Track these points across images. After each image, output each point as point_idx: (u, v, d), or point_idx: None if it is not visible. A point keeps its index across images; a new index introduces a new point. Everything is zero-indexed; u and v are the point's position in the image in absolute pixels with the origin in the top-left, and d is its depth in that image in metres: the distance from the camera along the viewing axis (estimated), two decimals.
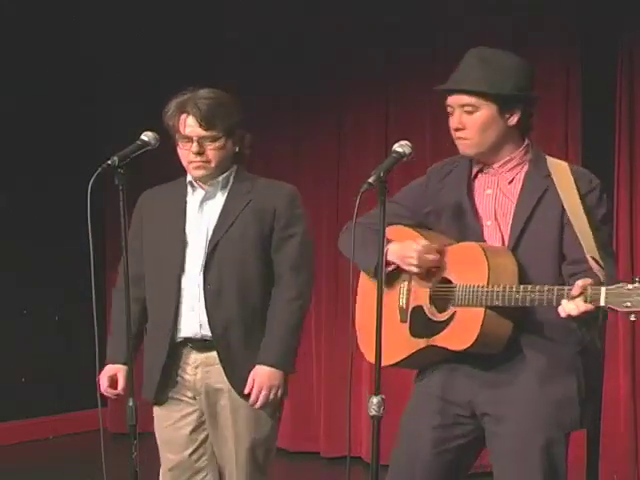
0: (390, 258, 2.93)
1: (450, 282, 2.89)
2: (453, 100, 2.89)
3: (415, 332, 2.89)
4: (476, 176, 2.98)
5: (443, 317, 2.87)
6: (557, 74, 5.44)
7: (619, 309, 2.51)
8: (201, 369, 3.42)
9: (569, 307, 2.58)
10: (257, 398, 3.36)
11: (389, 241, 2.90)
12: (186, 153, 3.42)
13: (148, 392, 3.46)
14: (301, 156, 6.21)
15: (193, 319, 3.40)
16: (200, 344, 3.41)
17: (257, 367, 3.37)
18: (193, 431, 3.49)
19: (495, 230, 2.90)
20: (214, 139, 3.39)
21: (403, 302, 2.99)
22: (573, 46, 5.40)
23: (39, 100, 6.51)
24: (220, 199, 3.46)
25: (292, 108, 6.22)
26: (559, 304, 2.62)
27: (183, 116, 3.47)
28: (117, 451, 3.19)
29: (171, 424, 3.49)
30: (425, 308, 2.92)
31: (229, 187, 3.47)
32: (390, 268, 2.95)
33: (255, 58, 6.22)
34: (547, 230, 2.84)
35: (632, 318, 2.50)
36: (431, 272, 2.92)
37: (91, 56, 6.69)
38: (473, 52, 2.96)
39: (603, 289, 2.54)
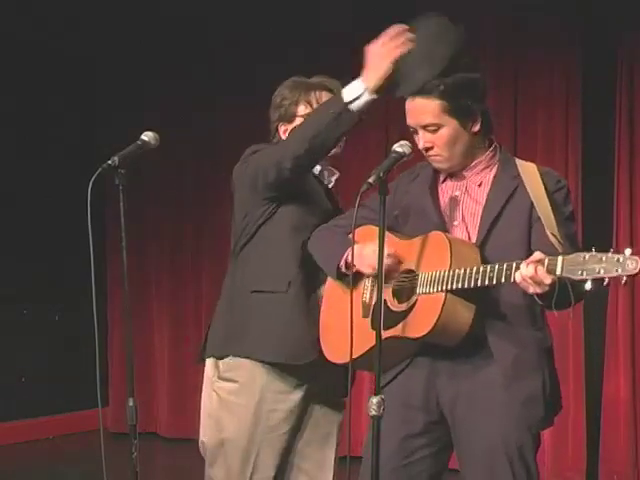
0: (349, 260, 2.93)
1: (414, 272, 2.88)
2: (414, 122, 2.88)
3: (376, 324, 2.79)
4: (444, 180, 2.99)
5: (404, 307, 2.85)
6: (557, 74, 5.44)
7: (574, 277, 2.47)
8: None
9: (526, 270, 2.55)
10: None
11: (355, 242, 2.89)
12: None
13: None
14: None
15: None
16: None
17: None
18: None
19: (462, 230, 2.90)
20: None
21: (366, 297, 2.99)
22: (573, 46, 5.40)
23: (39, 100, 6.52)
24: None
25: None
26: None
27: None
28: (117, 451, 3.19)
29: None
30: (388, 301, 2.89)
31: None
32: (353, 270, 2.94)
33: (255, 58, 6.22)
34: (515, 228, 2.84)
35: (588, 286, 2.46)
36: (394, 266, 2.91)
37: (91, 56, 6.69)
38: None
39: (560, 257, 2.51)
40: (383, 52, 3.03)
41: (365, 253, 2.90)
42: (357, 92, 3.00)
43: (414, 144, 2.88)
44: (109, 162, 3.05)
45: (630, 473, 5.28)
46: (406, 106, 2.90)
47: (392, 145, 2.84)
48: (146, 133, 3.27)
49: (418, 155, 2.92)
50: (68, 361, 6.65)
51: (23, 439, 6.55)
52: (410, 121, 2.90)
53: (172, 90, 6.55)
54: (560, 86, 5.44)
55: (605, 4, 5.28)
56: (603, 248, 2.48)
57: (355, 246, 2.88)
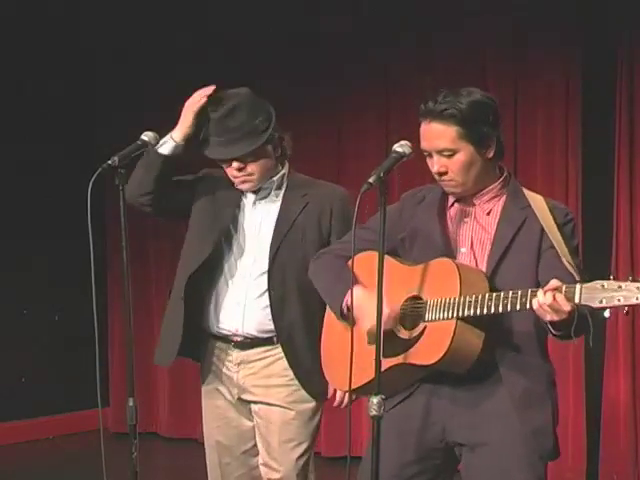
0: (350, 304, 2.89)
1: (420, 299, 2.86)
2: (429, 146, 2.86)
3: (385, 352, 2.76)
4: (452, 205, 2.98)
5: (413, 334, 2.84)
6: (557, 74, 5.44)
7: (593, 305, 2.49)
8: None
9: (544, 298, 2.55)
10: (342, 400, 3.43)
11: (357, 280, 2.88)
12: (228, 171, 3.49)
13: None
14: (301, 156, 6.20)
15: None
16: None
17: None
18: None
19: (470, 258, 2.89)
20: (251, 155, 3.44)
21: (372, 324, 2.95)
22: (573, 46, 5.40)
23: (39, 100, 6.52)
24: (276, 201, 3.52)
25: (292, 108, 6.22)
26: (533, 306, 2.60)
27: None
28: (117, 451, 3.19)
29: None
30: (394, 328, 2.88)
31: (284, 189, 3.53)
32: (347, 312, 2.94)
33: (255, 58, 6.22)
34: (525, 259, 2.83)
35: (607, 314, 2.49)
36: (401, 291, 2.90)
37: (91, 56, 6.69)
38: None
39: (578, 286, 2.52)
40: (188, 105, 3.52)
41: (366, 312, 2.85)
42: (165, 139, 3.46)
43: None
44: (109, 162, 3.06)
45: (630, 473, 5.28)
46: (421, 130, 2.88)
47: (392, 145, 2.84)
48: (146, 133, 3.29)
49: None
50: (68, 361, 6.65)
51: (23, 439, 6.55)
52: (425, 145, 2.87)
53: (172, 90, 6.54)
54: (560, 86, 5.44)
55: (605, 4, 5.28)
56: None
57: (357, 290, 2.86)
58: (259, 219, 3.52)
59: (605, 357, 5.33)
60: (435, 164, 2.86)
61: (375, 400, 2.66)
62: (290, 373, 3.47)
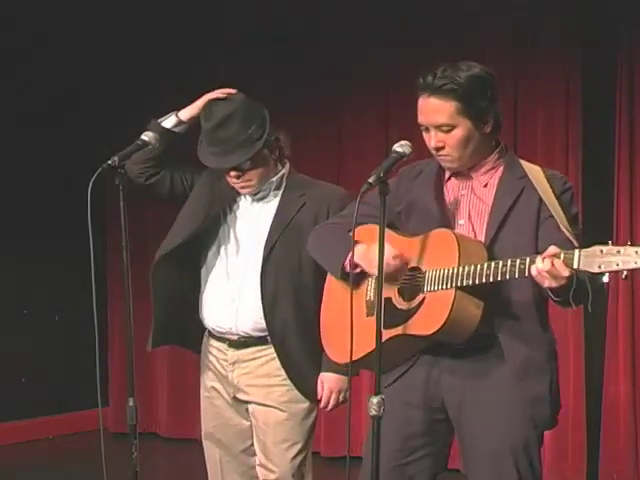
0: (356, 260, 2.90)
1: (419, 270, 2.86)
2: (427, 121, 2.86)
3: (384, 324, 2.76)
4: (449, 179, 2.98)
5: (412, 305, 2.84)
6: (557, 74, 5.44)
7: (592, 270, 2.48)
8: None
9: (543, 264, 2.55)
10: (328, 401, 3.44)
11: (357, 242, 2.87)
12: (227, 177, 3.50)
13: None
14: (301, 156, 6.20)
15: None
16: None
17: (323, 374, 3.44)
18: None
19: (468, 229, 2.89)
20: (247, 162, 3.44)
21: (370, 296, 2.98)
22: (573, 46, 5.40)
23: (39, 100, 6.52)
24: (273, 201, 3.52)
25: (292, 108, 6.22)
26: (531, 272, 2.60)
27: None
28: (117, 451, 3.19)
29: None
30: (393, 299, 2.89)
31: (282, 189, 3.53)
32: (357, 270, 2.93)
33: (255, 58, 6.22)
34: (523, 229, 2.83)
35: (605, 279, 2.49)
36: (402, 267, 2.89)
37: (91, 56, 6.69)
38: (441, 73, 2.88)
39: (577, 251, 2.52)
40: (207, 95, 3.57)
41: (372, 255, 2.85)
42: (170, 114, 3.58)
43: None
44: (109, 162, 3.06)
45: (630, 473, 5.28)
46: (419, 104, 2.88)
47: (392, 145, 2.84)
48: (146, 133, 3.28)
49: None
50: (68, 361, 6.65)
51: (23, 439, 6.55)
52: (422, 119, 2.87)
53: (172, 90, 6.54)
54: (560, 86, 5.44)
55: (605, 4, 5.28)
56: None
57: (359, 246, 2.87)
58: (256, 218, 3.52)
59: (605, 357, 5.33)
60: (432, 139, 2.86)
61: (375, 400, 2.66)
62: (283, 373, 3.47)
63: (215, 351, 3.59)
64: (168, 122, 3.54)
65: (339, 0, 5.97)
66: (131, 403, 3.09)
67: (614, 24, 5.27)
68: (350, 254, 2.92)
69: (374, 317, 2.88)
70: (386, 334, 2.78)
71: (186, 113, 3.57)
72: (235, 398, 3.57)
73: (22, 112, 6.45)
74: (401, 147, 2.80)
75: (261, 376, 3.50)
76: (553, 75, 5.45)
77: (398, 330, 2.83)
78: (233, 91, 3.55)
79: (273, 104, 6.59)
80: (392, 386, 2.90)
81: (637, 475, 5.28)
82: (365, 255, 2.88)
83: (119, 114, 6.64)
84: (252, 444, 3.59)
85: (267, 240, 3.45)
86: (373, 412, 2.67)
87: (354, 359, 2.81)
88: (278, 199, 3.51)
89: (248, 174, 3.44)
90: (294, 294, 3.43)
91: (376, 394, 2.67)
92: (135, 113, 6.35)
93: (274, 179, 3.51)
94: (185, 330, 3.64)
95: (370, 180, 2.69)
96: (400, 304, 2.88)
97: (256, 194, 3.52)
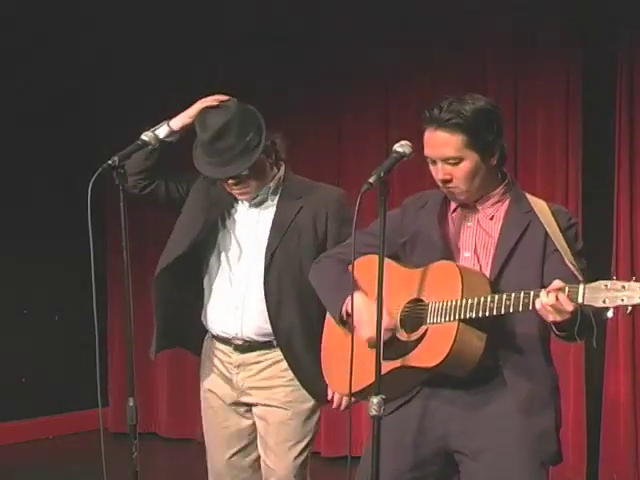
0: (351, 311, 2.87)
1: (421, 302, 2.85)
2: (434, 154, 2.85)
3: (386, 355, 2.75)
4: (454, 210, 2.97)
5: (414, 337, 2.83)
6: (557, 74, 5.44)
7: (596, 305, 2.49)
8: None
9: (547, 298, 2.55)
10: (340, 402, 3.42)
11: (357, 286, 2.87)
12: (225, 185, 3.50)
13: None
14: (301, 156, 6.22)
15: None
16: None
17: None
18: None
19: (473, 262, 2.88)
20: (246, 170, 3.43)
21: (369, 334, 2.92)
22: (573, 46, 5.40)
23: (39, 100, 6.52)
24: (271, 205, 3.52)
25: (292, 108, 6.22)
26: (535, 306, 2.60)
27: None
28: (117, 451, 3.19)
29: None
30: (396, 331, 2.87)
31: (279, 193, 3.52)
32: (346, 318, 2.94)
33: (255, 58, 6.22)
34: (529, 264, 2.83)
35: (610, 314, 2.50)
36: (402, 295, 2.89)
37: (91, 56, 6.69)
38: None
39: (581, 286, 2.53)
40: (199, 101, 3.52)
41: (365, 320, 2.85)
42: (162, 123, 3.52)
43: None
44: (109, 162, 3.06)
45: (630, 473, 5.28)
46: (425, 137, 2.87)
47: (392, 145, 2.83)
48: (146, 133, 3.28)
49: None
50: (68, 361, 6.65)
51: (23, 439, 6.54)
52: (429, 152, 2.86)
53: (172, 90, 6.55)
54: (560, 86, 5.44)
55: (605, 4, 5.28)
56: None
57: (358, 297, 2.85)
58: (255, 224, 3.52)
59: (605, 357, 5.33)
60: (440, 172, 2.86)
61: (375, 400, 2.66)
62: (287, 374, 3.47)
63: (220, 354, 3.59)
64: (160, 132, 3.49)
65: (339, 0, 5.96)
66: (131, 403, 3.09)
67: (614, 24, 5.26)
68: (346, 303, 2.92)
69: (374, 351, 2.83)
70: (387, 366, 2.78)
71: (178, 122, 3.52)
72: (237, 402, 3.57)
73: (22, 112, 6.45)
74: (401, 147, 2.80)
75: (265, 378, 3.51)
76: (553, 75, 5.44)
77: (400, 362, 2.82)
78: (226, 98, 3.51)
79: (273, 104, 6.63)
80: (389, 417, 2.84)
81: (637, 475, 5.28)
82: (359, 311, 2.84)
83: (119, 114, 6.64)
84: (249, 444, 3.59)
85: (267, 247, 3.45)
86: (373, 412, 2.67)
87: (358, 389, 2.83)
88: (275, 204, 3.51)
89: (246, 181, 3.44)
90: (297, 298, 3.43)
91: (376, 394, 2.67)
92: (135, 113, 6.38)
93: (271, 184, 3.50)
94: (186, 333, 3.65)
95: (371, 180, 2.69)
96: (402, 336, 2.87)
97: (253, 199, 3.52)
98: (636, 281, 2.45)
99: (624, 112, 5.25)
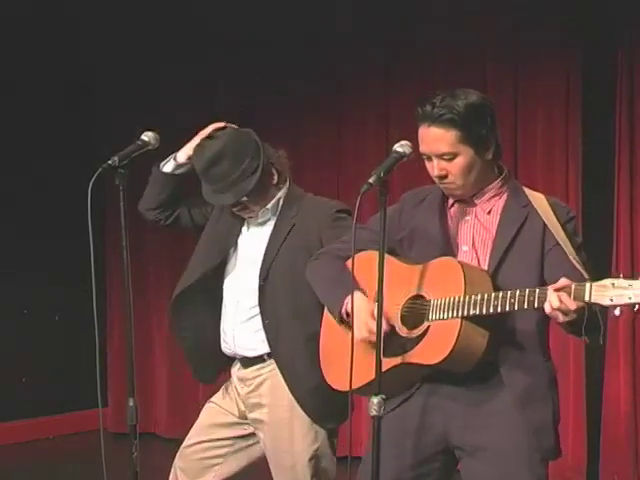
0: (349, 310, 2.89)
1: (422, 298, 2.85)
2: (429, 150, 2.85)
3: (387, 352, 2.76)
4: (452, 205, 2.97)
5: (416, 333, 2.82)
6: (557, 74, 5.44)
7: (603, 303, 2.49)
8: None
9: (553, 298, 2.54)
10: None
11: (356, 283, 2.87)
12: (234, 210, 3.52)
13: None
14: (301, 156, 6.22)
15: None
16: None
17: None
18: None
19: (471, 256, 2.88)
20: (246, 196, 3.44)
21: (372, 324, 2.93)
22: (573, 46, 5.40)
23: (39, 100, 6.52)
24: (268, 226, 3.52)
25: (292, 108, 6.23)
26: (540, 305, 2.59)
27: None
28: (117, 451, 3.18)
29: None
30: (397, 327, 2.87)
31: (278, 213, 3.51)
32: (346, 318, 2.94)
33: (255, 59, 6.22)
34: (527, 257, 2.83)
35: (617, 313, 2.49)
36: (402, 291, 2.89)
37: (91, 56, 6.69)
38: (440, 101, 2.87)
39: (588, 284, 2.52)
40: (200, 133, 3.56)
41: (362, 318, 2.85)
42: (168, 158, 3.60)
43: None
44: (109, 162, 3.06)
45: (630, 473, 5.28)
46: (420, 134, 2.87)
47: (392, 145, 2.84)
48: (146, 133, 3.28)
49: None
50: (68, 361, 6.65)
51: (23, 439, 6.55)
52: (424, 149, 2.87)
53: (171, 91, 6.55)
54: (560, 86, 5.44)
55: (605, 4, 5.28)
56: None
57: (357, 297, 2.84)
58: (252, 246, 3.53)
59: (605, 357, 5.33)
60: (435, 168, 2.86)
61: (375, 400, 2.66)
62: (282, 392, 3.46)
63: (234, 369, 3.63)
64: (168, 167, 3.59)
65: (339, 0, 5.96)
66: (131, 403, 3.09)
67: (614, 24, 5.26)
68: (346, 303, 2.92)
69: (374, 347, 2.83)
70: (388, 362, 2.78)
71: (182, 155, 3.58)
72: (241, 416, 3.58)
73: (22, 112, 6.45)
74: (401, 147, 2.80)
75: (262, 395, 3.52)
76: (553, 75, 5.44)
77: (401, 359, 2.82)
78: (222, 125, 3.55)
79: (273, 104, 6.62)
80: (390, 414, 2.86)
81: (637, 475, 5.27)
82: (358, 313, 2.84)
83: (119, 114, 6.64)
84: (222, 446, 3.59)
85: (260, 271, 3.46)
86: (373, 412, 2.67)
87: (359, 385, 2.83)
88: (273, 223, 3.50)
89: (249, 206, 3.46)
90: (295, 319, 3.42)
91: (376, 394, 2.67)
92: (135, 113, 6.39)
93: (269, 206, 3.49)
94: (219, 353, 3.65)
95: (370, 180, 2.69)
96: (403, 332, 2.86)
97: (256, 220, 3.53)
98: None
99: (624, 112, 5.25)
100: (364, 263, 2.86)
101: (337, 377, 3.00)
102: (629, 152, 5.26)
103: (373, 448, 2.69)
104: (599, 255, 4.98)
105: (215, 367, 3.66)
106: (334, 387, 3.06)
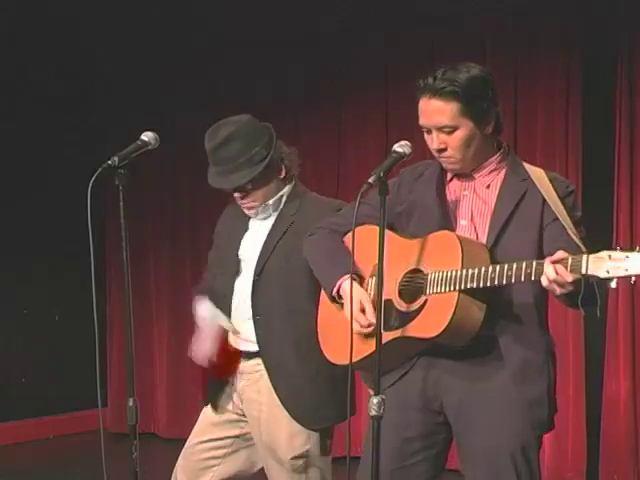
0: (342, 294, 2.91)
1: (420, 272, 2.85)
2: (429, 123, 2.85)
3: (385, 326, 2.76)
4: (451, 179, 2.97)
5: (413, 307, 2.82)
6: (557, 74, 5.44)
7: (600, 275, 2.47)
8: None
9: (549, 270, 2.53)
10: None
11: (355, 267, 2.88)
12: (235, 196, 3.50)
13: None
14: (301, 156, 6.21)
15: None
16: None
17: None
18: None
19: (470, 230, 2.88)
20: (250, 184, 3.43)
21: (371, 294, 2.94)
22: (573, 46, 5.40)
23: (39, 100, 6.52)
24: (268, 224, 3.51)
25: (292, 108, 6.23)
26: (537, 277, 2.58)
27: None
28: (117, 451, 3.18)
29: None
30: (394, 301, 2.87)
31: (280, 210, 3.50)
32: (339, 300, 2.96)
33: (255, 59, 6.23)
34: (526, 231, 2.82)
35: (613, 285, 2.48)
36: (400, 265, 2.89)
37: (91, 57, 6.69)
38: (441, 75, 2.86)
39: (585, 256, 2.51)
40: None
41: (353, 312, 2.84)
42: None
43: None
44: (109, 162, 3.05)
45: (630, 473, 5.28)
46: (420, 106, 2.87)
47: (392, 145, 2.83)
48: (146, 133, 3.27)
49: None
50: (68, 361, 6.65)
51: (23, 439, 6.55)
52: (424, 121, 2.86)
53: (172, 90, 6.55)
54: (560, 86, 5.44)
55: (605, 4, 5.28)
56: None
57: (346, 286, 2.87)
58: (252, 242, 3.52)
59: (605, 357, 5.33)
60: (434, 141, 2.85)
61: (375, 400, 2.66)
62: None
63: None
64: None
65: (339, 0, 5.97)
66: (131, 403, 3.09)
67: (614, 24, 5.27)
68: (340, 282, 2.93)
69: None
70: (386, 336, 2.77)
71: None
72: (238, 410, 3.58)
73: (22, 113, 6.45)
74: (401, 147, 2.79)
75: (258, 391, 3.51)
76: (553, 74, 5.45)
77: (399, 332, 2.81)
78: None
79: (273, 104, 6.62)
80: (391, 388, 2.88)
81: (637, 475, 5.28)
82: (349, 305, 2.84)
83: (119, 114, 6.64)
84: (225, 437, 3.58)
85: (255, 267, 3.46)
86: (373, 412, 2.67)
87: (358, 359, 2.82)
88: (273, 220, 3.50)
89: (252, 195, 3.45)
90: (289, 318, 3.41)
91: (376, 394, 2.67)
92: (135, 113, 6.39)
93: (270, 202, 3.49)
94: None
95: (370, 180, 2.68)
96: (401, 306, 2.86)
97: (257, 216, 3.53)
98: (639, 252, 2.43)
99: (624, 112, 5.25)
100: (363, 237, 2.86)
101: (335, 351, 3.01)
102: (629, 151, 5.26)
103: (373, 448, 2.69)
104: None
105: None
106: (332, 361, 3.05)
